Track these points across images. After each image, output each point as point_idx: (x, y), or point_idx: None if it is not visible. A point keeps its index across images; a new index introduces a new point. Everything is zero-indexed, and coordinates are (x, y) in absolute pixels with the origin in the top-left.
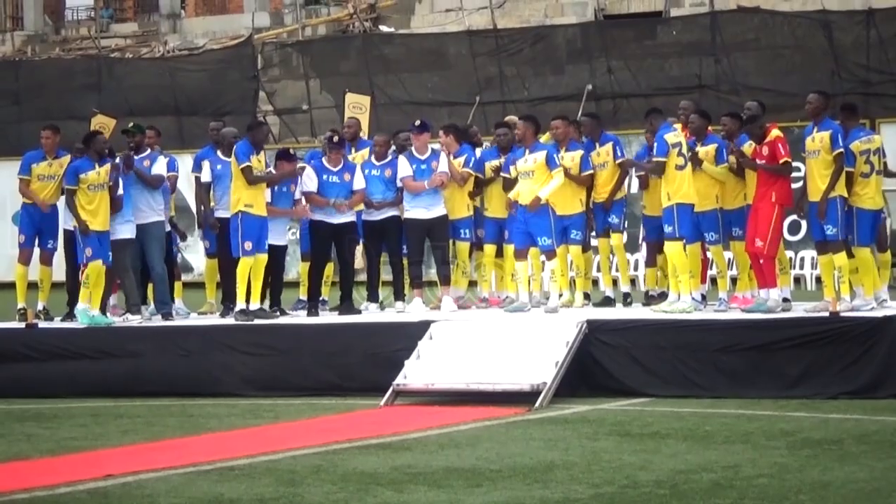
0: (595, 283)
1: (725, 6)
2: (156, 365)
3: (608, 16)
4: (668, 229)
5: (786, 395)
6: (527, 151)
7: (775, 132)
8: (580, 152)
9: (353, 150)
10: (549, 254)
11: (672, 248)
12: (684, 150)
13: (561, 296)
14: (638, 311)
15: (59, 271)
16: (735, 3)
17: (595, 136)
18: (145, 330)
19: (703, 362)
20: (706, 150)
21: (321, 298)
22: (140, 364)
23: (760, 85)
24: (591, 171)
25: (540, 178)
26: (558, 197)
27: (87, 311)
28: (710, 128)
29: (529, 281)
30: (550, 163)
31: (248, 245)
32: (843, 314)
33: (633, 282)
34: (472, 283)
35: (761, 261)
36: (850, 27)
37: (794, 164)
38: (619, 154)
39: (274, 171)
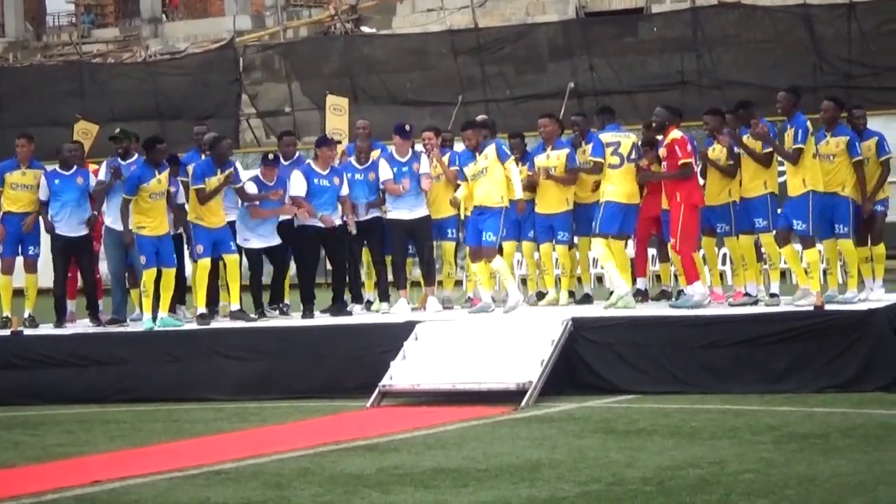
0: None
1: (706, 1)
2: (142, 371)
3: (589, 13)
4: (594, 224)
5: (771, 390)
6: (477, 154)
7: (675, 133)
8: (566, 150)
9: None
10: (489, 252)
11: (597, 245)
12: (620, 149)
13: (545, 294)
14: (623, 309)
15: (44, 278)
16: None
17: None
18: (132, 336)
19: (689, 358)
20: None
21: (286, 302)
22: (126, 370)
23: (742, 79)
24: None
25: (494, 173)
26: (543, 195)
27: (149, 318)
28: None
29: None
30: (501, 155)
31: (200, 248)
32: (827, 308)
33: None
34: (458, 283)
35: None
36: (832, 20)
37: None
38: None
39: (260, 177)
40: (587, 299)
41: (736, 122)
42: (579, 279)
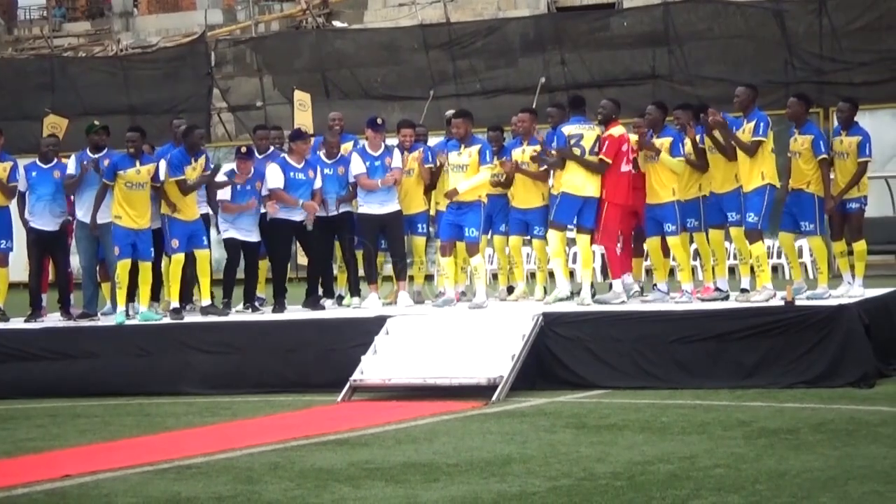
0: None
1: None
2: (113, 365)
3: (561, 7)
4: (550, 215)
5: (742, 385)
6: (462, 146)
7: (614, 130)
8: (540, 147)
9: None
10: (473, 248)
11: (551, 236)
12: (583, 141)
13: (513, 288)
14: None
15: (16, 272)
16: None
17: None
18: (102, 330)
19: (660, 353)
20: (662, 142)
21: (260, 297)
22: (97, 364)
23: (713, 75)
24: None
25: (473, 173)
26: (518, 190)
27: (121, 312)
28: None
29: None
30: (482, 158)
31: (175, 243)
32: (798, 303)
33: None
34: (429, 278)
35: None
36: (803, 16)
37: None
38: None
39: (236, 170)
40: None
41: (696, 124)
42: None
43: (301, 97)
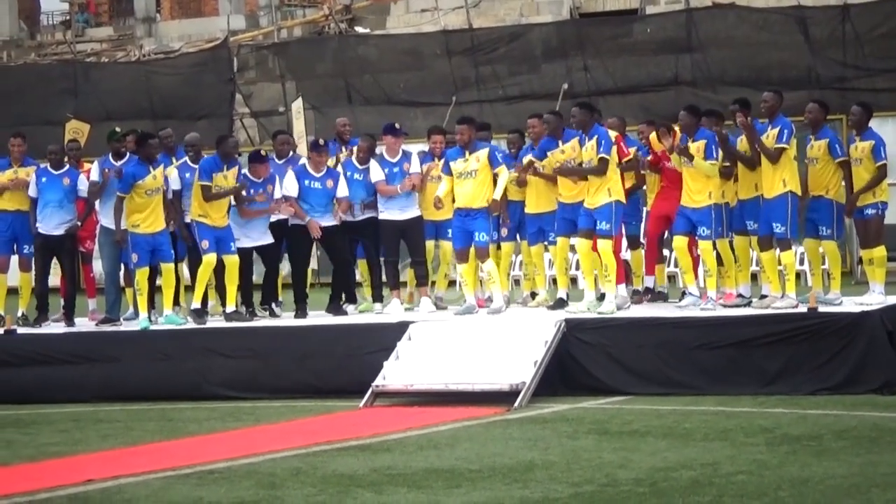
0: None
1: (700, 3)
2: (135, 369)
3: (584, 14)
4: (605, 226)
5: (764, 392)
6: (467, 152)
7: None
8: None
9: (342, 149)
10: (483, 252)
11: (606, 246)
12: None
13: (536, 295)
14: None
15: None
16: (710, 0)
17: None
18: (124, 334)
19: (682, 360)
20: (697, 146)
21: (279, 300)
22: (119, 368)
23: (736, 81)
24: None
25: (483, 177)
26: (531, 196)
27: (144, 318)
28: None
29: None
30: (493, 161)
31: (206, 244)
32: (820, 310)
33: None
34: (452, 284)
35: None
36: (826, 22)
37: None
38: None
39: (248, 174)
40: (561, 304)
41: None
42: (554, 280)
43: (297, 105)
